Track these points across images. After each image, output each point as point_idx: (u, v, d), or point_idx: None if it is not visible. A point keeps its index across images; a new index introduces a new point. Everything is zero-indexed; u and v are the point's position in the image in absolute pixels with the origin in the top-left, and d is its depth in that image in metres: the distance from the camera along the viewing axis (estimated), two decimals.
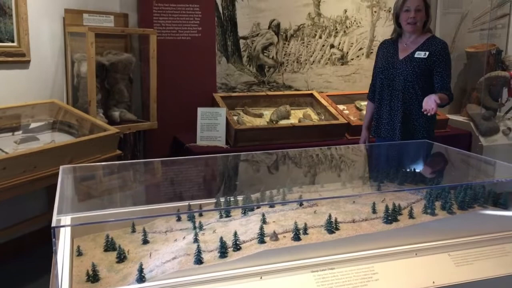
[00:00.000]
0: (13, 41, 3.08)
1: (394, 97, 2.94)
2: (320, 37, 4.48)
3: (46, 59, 3.38)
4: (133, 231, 1.90)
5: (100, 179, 2.13)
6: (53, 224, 1.31)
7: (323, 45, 4.50)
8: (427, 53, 2.83)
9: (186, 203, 2.01)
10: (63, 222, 1.58)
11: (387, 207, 1.76)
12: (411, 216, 1.78)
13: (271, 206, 1.98)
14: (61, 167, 1.92)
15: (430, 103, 2.63)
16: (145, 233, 1.82)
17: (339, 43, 4.54)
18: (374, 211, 1.82)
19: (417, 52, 2.87)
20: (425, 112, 2.67)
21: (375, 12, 4.57)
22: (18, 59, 3.13)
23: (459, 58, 4.79)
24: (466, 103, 4.63)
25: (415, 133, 2.90)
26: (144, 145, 3.96)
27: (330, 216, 1.69)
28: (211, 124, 3.67)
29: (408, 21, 2.86)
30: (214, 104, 3.97)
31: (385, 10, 4.61)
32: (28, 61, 3.20)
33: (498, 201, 1.89)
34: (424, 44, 2.88)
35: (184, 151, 3.60)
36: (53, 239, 1.30)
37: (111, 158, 3.06)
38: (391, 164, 2.54)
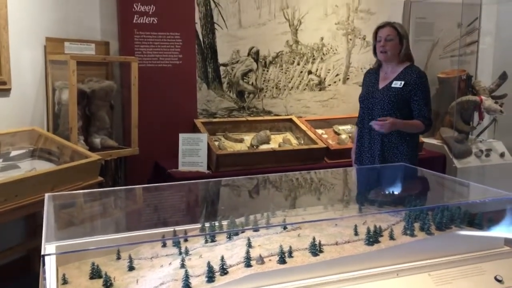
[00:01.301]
0: None
1: (370, 125, 2.98)
2: (298, 64, 4.60)
3: (27, 87, 3.38)
4: (118, 258, 1.91)
5: (85, 207, 2.14)
6: (43, 252, 1.32)
7: (301, 71, 4.61)
8: (403, 82, 2.90)
9: (171, 228, 2.03)
10: (50, 250, 1.58)
11: (368, 229, 1.82)
12: (391, 237, 1.83)
13: (256, 230, 2.01)
14: (46, 195, 1.92)
15: (388, 122, 2.81)
16: (130, 260, 1.82)
17: (317, 69, 4.67)
18: (356, 233, 1.87)
19: (394, 82, 2.94)
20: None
21: (350, 39, 4.73)
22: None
23: (431, 84, 4.88)
24: (439, 127, 4.79)
25: (395, 161, 2.94)
26: (125, 171, 3.95)
27: (314, 239, 1.74)
28: (192, 150, 3.71)
29: (380, 50, 2.96)
30: (195, 129, 4.01)
31: (359, 38, 4.77)
32: (9, 89, 3.20)
33: (474, 222, 1.96)
34: (401, 74, 2.96)
35: (166, 176, 3.62)
36: (42, 268, 1.31)
37: (93, 185, 3.06)
38: (370, 187, 2.61)
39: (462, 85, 4.69)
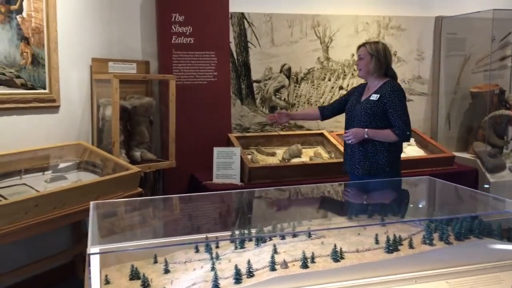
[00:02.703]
0: (45, 88, 3.36)
1: None
2: (329, 80, 4.72)
3: (74, 104, 3.64)
4: (155, 262, 2.07)
5: (126, 214, 2.33)
6: (89, 251, 1.49)
7: (332, 87, 4.73)
8: (378, 95, 3.14)
9: (203, 235, 2.19)
10: (95, 250, 1.75)
11: (388, 238, 1.92)
12: (411, 246, 1.92)
13: (282, 237, 2.14)
14: (91, 203, 2.11)
15: (350, 133, 3.12)
16: (166, 263, 1.98)
17: (348, 85, 4.77)
18: (377, 242, 1.97)
19: (372, 95, 3.18)
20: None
21: None
22: (49, 105, 3.39)
23: (464, 98, 4.99)
24: (472, 141, 4.78)
25: (374, 169, 3.16)
26: (163, 183, 4.16)
27: (335, 246, 1.85)
28: (226, 163, 3.87)
29: (357, 68, 3.30)
30: (229, 143, 4.19)
31: None
32: (58, 106, 3.47)
33: (492, 233, 2.02)
34: (379, 88, 3.19)
35: (201, 188, 3.79)
36: (88, 267, 1.48)
37: (133, 195, 3.26)
38: (395, 199, 2.70)
39: (495, 100, 4.69)
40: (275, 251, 1.93)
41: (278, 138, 4.46)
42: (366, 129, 3.11)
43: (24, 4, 3.17)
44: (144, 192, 3.44)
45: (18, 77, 3.16)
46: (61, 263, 3.52)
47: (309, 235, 2.12)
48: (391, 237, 1.93)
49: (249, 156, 4.05)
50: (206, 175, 3.95)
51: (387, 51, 3.24)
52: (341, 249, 1.87)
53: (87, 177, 3.30)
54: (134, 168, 3.30)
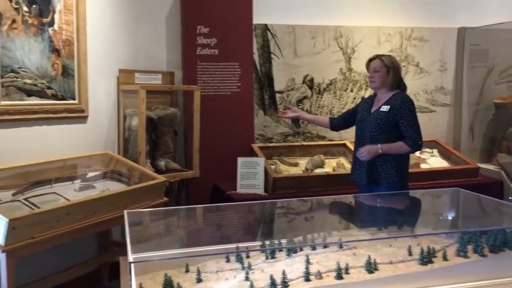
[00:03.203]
0: (74, 99, 3.43)
1: (362, 145, 3.27)
2: (352, 90, 4.73)
3: (101, 114, 3.71)
4: (187, 271, 2.09)
5: (157, 223, 2.36)
6: (130, 260, 1.52)
7: (355, 98, 4.74)
8: (389, 107, 3.19)
9: (234, 245, 2.21)
10: (134, 259, 1.78)
11: (422, 250, 1.91)
12: (445, 258, 1.92)
13: (313, 248, 2.15)
14: (125, 212, 2.15)
15: (363, 150, 3.15)
16: (199, 273, 2.01)
17: (370, 96, 4.76)
18: (410, 254, 1.97)
19: (382, 106, 3.24)
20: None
21: (404, 66, 4.81)
22: (78, 115, 3.46)
23: (487, 109, 4.95)
24: (496, 152, 4.74)
25: (381, 178, 3.21)
26: (186, 192, 4.20)
27: (369, 257, 1.86)
28: (250, 173, 3.89)
29: (369, 80, 3.33)
30: (252, 154, 4.21)
31: (413, 65, 4.85)
32: (86, 117, 3.54)
33: None
34: (389, 100, 3.25)
35: (225, 198, 3.81)
36: (129, 274, 1.51)
37: (159, 204, 3.30)
38: (424, 211, 2.69)
39: None
40: (308, 262, 1.94)
41: (300, 148, 4.47)
42: (379, 145, 3.16)
43: (56, 17, 3.25)
44: (168, 201, 3.47)
45: (49, 88, 3.24)
46: (87, 271, 3.55)
47: (341, 246, 2.12)
48: (425, 249, 1.93)
49: (273, 166, 4.07)
50: (229, 185, 3.97)
51: (399, 63, 3.37)
52: (375, 260, 1.87)
53: (114, 186, 3.35)
54: (160, 178, 3.35)
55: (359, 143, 3.35)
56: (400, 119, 3.16)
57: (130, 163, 3.53)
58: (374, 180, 3.21)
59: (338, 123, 3.63)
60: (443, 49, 4.94)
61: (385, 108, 3.20)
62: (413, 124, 3.17)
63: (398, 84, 3.32)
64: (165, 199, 3.38)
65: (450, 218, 2.49)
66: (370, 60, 3.33)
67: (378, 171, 3.21)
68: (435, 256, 1.94)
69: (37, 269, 3.09)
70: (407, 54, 4.82)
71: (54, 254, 3.21)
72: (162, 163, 3.92)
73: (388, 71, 3.25)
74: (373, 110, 3.30)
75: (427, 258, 1.89)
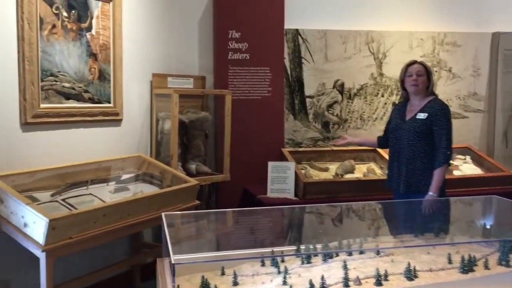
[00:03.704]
0: (109, 102, 3.49)
1: (401, 154, 3.23)
2: (383, 96, 4.69)
3: (135, 117, 3.77)
4: (223, 273, 2.11)
5: (193, 226, 2.38)
6: (172, 261, 1.54)
7: (385, 103, 4.70)
8: (427, 114, 3.15)
9: (269, 249, 2.22)
10: (176, 261, 1.79)
11: (463, 258, 1.89)
12: (486, 267, 1.89)
13: (349, 254, 2.14)
14: (163, 214, 2.17)
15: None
16: (235, 276, 2.02)
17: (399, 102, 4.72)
18: (449, 262, 1.94)
19: (418, 114, 3.19)
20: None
21: (436, 71, 4.75)
22: (113, 118, 3.52)
23: None
24: None
25: (420, 187, 3.13)
26: (216, 195, 4.22)
27: (409, 264, 1.84)
28: (280, 177, 3.89)
29: (411, 83, 3.23)
30: (282, 158, 4.21)
31: (445, 70, 4.78)
32: (121, 120, 3.60)
33: None
34: (425, 107, 3.21)
35: (255, 202, 3.82)
36: (172, 276, 1.53)
37: (190, 207, 3.32)
38: (460, 218, 2.64)
39: None
40: (345, 267, 1.93)
41: (330, 153, 4.45)
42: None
43: (94, 22, 3.32)
44: (199, 204, 3.50)
45: (86, 91, 3.31)
46: (119, 273, 3.60)
47: (378, 252, 2.11)
48: (466, 257, 1.90)
49: (303, 171, 4.06)
50: (259, 189, 3.98)
51: None
52: (414, 267, 1.85)
53: (147, 189, 3.40)
54: (193, 181, 3.38)
55: (395, 151, 3.30)
56: (435, 126, 3.13)
57: (162, 165, 3.57)
58: (413, 189, 3.15)
59: (384, 140, 3.55)
60: (476, 54, 4.86)
61: (422, 115, 3.16)
62: (447, 133, 3.13)
63: (432, 90, 3.30)
64: (197, 202, 3.41)
65: (488, 226, 2.44)
66: (409, 65, 3.28)
67: (417, 180, 3.14)
68: (476, 265, 1.91)
69: (71, 270, 3.14)
70: (440, 59, 4.76)
71: (87, 255, 3.26)
72: (193, 166, 3.95)
73: (428, 76, 3.24)
74: (408, 117, 3.25)
75: (468, 266, 1.87)
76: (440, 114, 3.14)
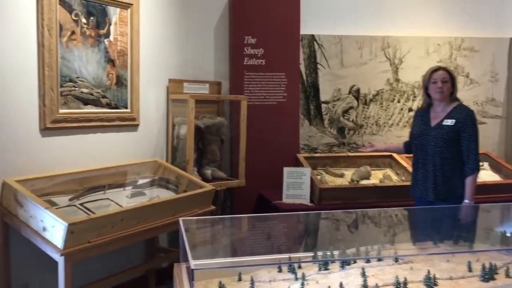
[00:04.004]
0: (126, 108, 3.52)
1: (427, 161, 3.19)
2: (399, 101, 4.67)
3: (151, 122, 3.80)
4: (239, 279, 2.11)
5: (210, 231, 2.39)
6: (192, 266, 1.54)
7: (402, 109, 4.67)
8: (454, 120, 3.13)
9: (286, 255, 2.21)
10: (196, 266, 1.79)
11: (483, 266, 1.86)
12: (507, 275, 1.86)
13: (367, 261, 2.12)
14: (180, 220, 2.18)
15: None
16: (252, 282, 2.02)
17: (417, 106, 4.69)
18: (469, 270, 1.92)
19: (445, 120, 3.17)
20: None
21: None
22: (130, 123, 3.55)
23: None
24: None
25: (448, 194, 3.11)
26: (231, 201, 4.23)
27: (429, 272, 1.82)
28: (296, 183, 3.88)
29: (437, 91, 3.19)
30: (297, 164, 4.20)
31: (463, 75, 4.74)
32: (137, 125, 3.63)
33: None
34: (451, 113, 3.18)
35: (271, 208, 3.81)
36: (191, 280, 1.53)
37: (206, 213, 3.33)
38: (480, 226, 2.61)
39: None
40: (364, 275, 1.92)
41: (345, 159, 4.43)
42: (467, 200, 3.03)
43: (112, 28, 3.36)
44: (215, 209, 3.50)
45: (104, 97, 3.34)
46: (134, 277, 3.61)
47: (396, 260, 2.09)
48: (487, 265, 1.88)
49: (318, 177, 4.05)
50: (274, 194, 3.97)
51: None
52: (434, 275, 1.83)
53: (163, 193, 3.42)
54: (208, 186, 3.39)
55: (420, 157, 3.26)
56: (463, 132, 3.11)
57: (178, 171, 3.59)
58: (441, 196, 3.11)
59: (408, 147, 3.52)
60: (494, 60, 4.81)
61: (449, 122, 3.14)
62: (475, 140, 3.13)
63: (455, 96, 3.28)
64: (213, 207, 3.42)
65: (508, 233, 2.40)
66: (433, 71, 3.24)
67: (446, 186, 3.11)
68: (497, 273, 1.88)
69: (88, 274, 3.17)
70: (457, 64, 4.72)
71: (103, 260, 3.29)
72: (208, 172, 3.97)
73: (453, 82, 3.22)
74: (433, 123, 3.21)
75: (489, 274, 1.84)
76: (468, 120, 3.13)
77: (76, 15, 3.12)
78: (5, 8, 2.72)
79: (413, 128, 3.44)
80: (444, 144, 3.13)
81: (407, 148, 3.54)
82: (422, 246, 2.29)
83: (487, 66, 4.80)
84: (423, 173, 3.22)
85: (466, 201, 3.01)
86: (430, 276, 1.80)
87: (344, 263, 2.11)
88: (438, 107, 3.26)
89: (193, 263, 1.63)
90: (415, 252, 2.15)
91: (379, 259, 2.12)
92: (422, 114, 3.35)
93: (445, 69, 3.25)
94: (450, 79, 3.20)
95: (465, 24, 4.76)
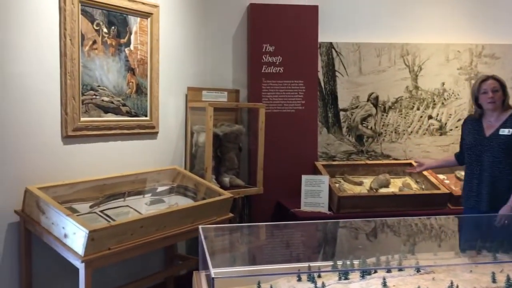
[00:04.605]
0: (146, 116, 3.56)
1: (483, 171, 3.14)
2: (418, 109, 4.62)
3: (170, 130, 3.83)
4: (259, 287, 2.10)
5: (229, 239, 2.39)
6: (212, 275, 1.54)
7: (421, 116, 4.62)
8: (511, 130, 3.08)
9: (306, 264, 2.19)
10: (217, 275, 1.79)
11: (508, 277, 1.82)
12: None
13: (388, 271, 2.10)
14: (200, 228, 2.19)
15: (501, 220, 2.92)
16: None
17: (437, 114, 4.64)
18: (494, 281, 1.88)
19: (501, 129, 3.12)
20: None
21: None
22: (149, 131, 3.58)
23: None
24: None
25: (503, 204, 3.02)
26: (250, 208, 4.22)
27: (452, 283, 1.79)
28: (314, 191, 3.87)
29: (488, 101, 3.15)
30: (315, 171, 4.19)
31: None
32: (157, 133, 3.66)
33: None
34: (507, 121, 3.14)
35: (288, 215, 3.80)
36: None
37: (224, 220, 3.33)
38: (503, 235, 2.56)
39: None
40: (384, 285, 1.90)
41: (364, 167, 4.40)
42: (509, 203, 2.99)
43: (132, 37, 3.41)
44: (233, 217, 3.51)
45: (124, 105, 3.38)
46: (153, 284, 3.62)
47: (418, 270, 2.06)
48: (511, 276, 1.84)
49: (337, 185, 4.02)
50: (292, 202, 3.96)
51: None
52: (457, 286, 1.80)
53: (181, 201, 3.43)
54: (227, 194, 3.39)
55: (474, 168, 3.20)
56: None
57: (197, 178, 3.60)
58: (496, 207, 3.04)
59: (463, 156, 3.42)
60: None
61: (506, 131, 3.09)
62: None
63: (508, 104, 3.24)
64: (231, 215, 3.42)
65: None
66: (483, 81, 3.20)
67: (503, 198, 3.04)
68: None
69: (107, 281, 3.19)
70: (477, 71, 4.65)
71: (123, 267, 3.31)
72: (226, 179, 3.98)
73: (504, 90, 3.18)
74: (488, 133, 3.17)
75: None
76: None
77: (98, 24, 3.17)
78: (28, 18, 2.78)
79: (463, 138, 3.37)
80: (502, 153, 3.08)
81: (460, 159, 3.46)
82: (443, 256, 2.25)
83: (508, 73, 4.71)
84: (477, 184, 3.17)
85: (509, 204, 2.96)
86: (453, 287, 1.77)
87: (365, 273, 2.09)
88: (490, 116, 3.21)
89: (213, 271, 1.63)
90: (437, 263, 2.12)
91: (400, 269, 2.09)
92: (473, 123, 3.29)
93: (494, 78, 3.20)
94: (501, 87, 3.15)
95: (485, 30, 4.70)
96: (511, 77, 4.73)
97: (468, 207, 3.24)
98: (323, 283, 2.02)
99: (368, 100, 4.55)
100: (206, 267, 1.94)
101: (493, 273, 1.89)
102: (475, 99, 3.24)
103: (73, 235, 2.49)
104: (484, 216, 2.89)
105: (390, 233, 2.78)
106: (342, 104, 4.51)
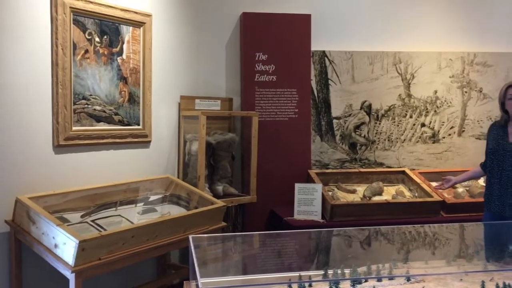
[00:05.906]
0: (139, 124, 3.55)
1: (504, 176, 3.15)
2: (411, 117, 4.64)
3: (163, 139, 3.82)
4: None
5: (220, 248, 2.38)
6: (200, 286, 1.54)
7: (414, 124, 4.64)
8: None
9: (296, 273, 2.19)
10: (206, 285, 1.79)
11: (497, 286, 1.82)
12: None
13: (379, 280, 2.09)
14: (190, 237, 2.18)
15: None
16: None
17: (430, 122, 4.66)
18: None
19: None
20: None
21: (465, 92, 4.68)
22: (142, 140, 3.58)
23: None
24: None
25: None
26: (243, 217, 4.22)
27: None
28: (307, 199, 3.87)
29: None
30: (309, 180, 4.19)
31: (476, 90, 4.70)
32: (149, 142, 3.65)
33: None
34: None
35: (282, 224, 3.79)
36: None
37: (217, 229, 3.33)
38: (494, 243, 2.56)
39: None
40: None
41: (357, 175, 4.40)
42: None
43: (124, 47, 3.41)
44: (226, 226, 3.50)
45: (116, 114, 3.38)
46: None
47: (408, 279, 2.06)
48: (500, 285, 1.84)
49: (330, 193, 4.02)
50: (286, 210, 3.96)
51: None
52: None
53: (174, 210, 3.42)
54: (220, 203, 3.39)
55: (496, 173, 3.21)
56: None
57: (190, 187, 3.60)
58: None
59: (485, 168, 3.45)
60: (508, 74, 4.76)
61: None
62: None
63: None
64: (224, 223, 3.42)
65: None
66: (509, 87, 3.20)
67: None
68: None
69: None
70: (469, 79, 4.68)
71: (114, 276, 3.29)
72: (219, 188, 3.97)
73: None
74: None
75: None
76: None
77: (90, 34, 3.17)
78: (20, 27, 2.78)
79: (488, 143, 3.37)
80: None
81: (485, 169, 3.41)
82: (433, 265, 2.25)
83: (500, 81, 4.73)
84: (499, 189, 3.18)
85: None
86: None
87: (355, 282, 2.08)
88: None
89: (201, 281, 1.62)
90: (427, 271, 2.12)
91: (391, 278, 2.09)
92: (498, 129, 3.30)
93: None
94: None
95: (477, 39, 4.73)
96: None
97: (490, 211, 3.25)
98: None
99: (361, 108, 4.56)
100: (196, 277, 1.93)
101: (483, 282, 1.89)
102: (502, 104, 3.24)
103: (63, 245, 2.48)
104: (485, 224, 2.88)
105: (383, 241, 2.77)
106: (335, 112, 4.53)
